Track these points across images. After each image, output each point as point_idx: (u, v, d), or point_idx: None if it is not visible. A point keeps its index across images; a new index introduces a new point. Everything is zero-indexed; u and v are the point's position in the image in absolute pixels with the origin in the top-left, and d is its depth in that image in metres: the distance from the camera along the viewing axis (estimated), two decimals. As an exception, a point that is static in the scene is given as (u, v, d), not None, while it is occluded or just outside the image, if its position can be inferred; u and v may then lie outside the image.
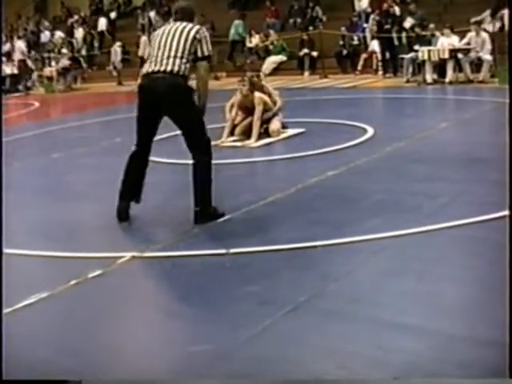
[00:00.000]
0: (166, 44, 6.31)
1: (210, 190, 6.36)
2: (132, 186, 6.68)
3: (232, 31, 24.37)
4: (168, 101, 6.30)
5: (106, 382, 3.68)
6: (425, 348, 3.70)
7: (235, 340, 3.92)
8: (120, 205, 6.57)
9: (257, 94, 10.19)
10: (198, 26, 6.43)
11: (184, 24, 6.41)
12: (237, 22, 24.63)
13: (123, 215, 6.56)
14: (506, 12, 18.89)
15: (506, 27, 18.96)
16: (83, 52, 26.91)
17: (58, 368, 3.78)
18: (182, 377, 3.65)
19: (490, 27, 18.47)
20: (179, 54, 6.25)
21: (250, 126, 10.06)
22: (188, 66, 6.29)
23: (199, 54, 6.32)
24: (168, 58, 6.26)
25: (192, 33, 6.30)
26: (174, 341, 4.12)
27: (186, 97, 6.37)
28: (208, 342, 3.91)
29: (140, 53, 24.30)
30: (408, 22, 19.53)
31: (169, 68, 6.23)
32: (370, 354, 3.68)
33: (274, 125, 10.37)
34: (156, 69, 6.28)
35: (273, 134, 10.30)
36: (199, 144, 6.42)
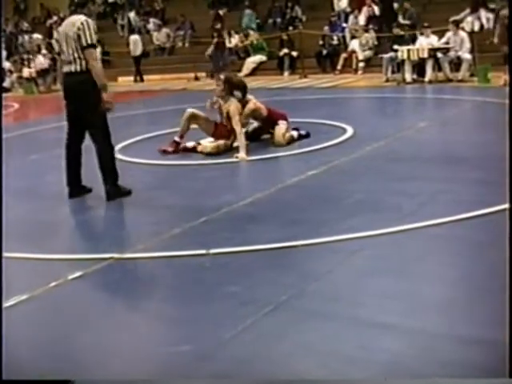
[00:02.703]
0: None
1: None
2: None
3: (245, 21, 24.43)
4: None
5: (91, 383, 3.68)
6: (405, 347, 3.72)
7: (216, 340, 3.92)
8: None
9: (232, 104, 9.48)
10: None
11: None
12: (247, 11, 24.61)
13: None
14: (483, 12, 19.07)
15: (485, 26, 19.13)
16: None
17: (40, 369, 3.77)
18: (164, 377, 3.65)
19: (469, 26, 18.57)
20: None
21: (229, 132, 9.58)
22: None
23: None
24: None
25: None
26: (155, 341, 4.11)
27: None
28: (189, 342, 3.91)
29: (132, 52, 24.30)
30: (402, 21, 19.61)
31: None
32: (351, 353, 3.69)
33: (278, 130, 9.69)
34: None
35: (277, 139, 9.62)
36: None
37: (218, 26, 23.99)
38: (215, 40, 23.07)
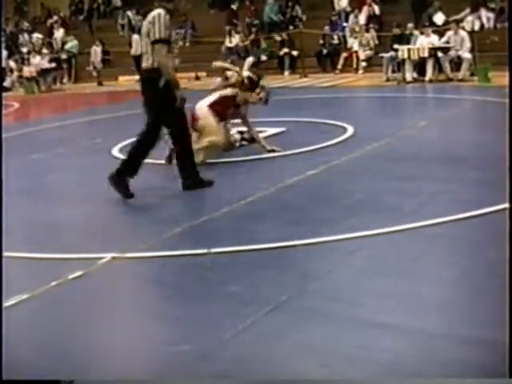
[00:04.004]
0: None
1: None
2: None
3: (267, 10, 23.97)
4: None
5: (91, 383, 3.68)
6: (405, 347, 3.72)
7: (216, 340, 3.92)
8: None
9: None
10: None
11: None
12: (270, 0, 24.20)
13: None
14: (484, 11, 19.07)
15: (486, 25, 19.13)
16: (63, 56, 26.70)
17: (40, 369, 3.78)
18: (164, 377, 3.65)
19: (469, 26, 18.57)
20: None
21: None
22: None
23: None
24: None
25: None
26: (155, 341, 4.11)
27: None
28: (189, 342, 3.92)
29: (133, 51, 24.26)
30: (439, 19, 19.44)
31: None
32: (351, 352, 3.69)
33: None
34: None
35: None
36: None
37: (235, 20, 23.89)
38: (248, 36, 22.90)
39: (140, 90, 7.47)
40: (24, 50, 27.88)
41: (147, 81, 7.25)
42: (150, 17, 7.11)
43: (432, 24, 19.09)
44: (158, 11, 7.11)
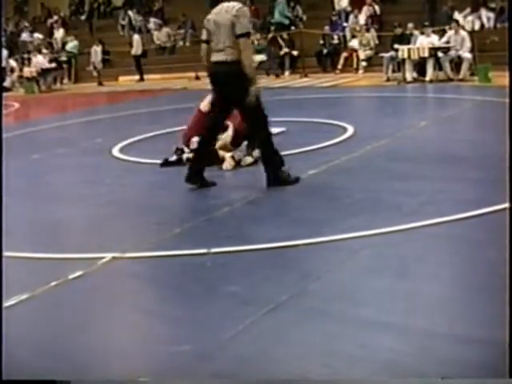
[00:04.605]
0: None
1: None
2: None
3: (276, 14, 23.36)
4: None
5: (91, 383, 3.68)
6: (406, 346, 3.72)
7: (217, 340, 3.92)
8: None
9: None
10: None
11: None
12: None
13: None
14: (484, 11, 19.07)
15: (486, 25, 19.13)
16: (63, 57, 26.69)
17: (40, 369, 3.77)
18: (164, 377, 3.65)
19: (469, 26, 18.57)
20: None
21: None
22: None
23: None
24: None
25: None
26: (155, 341, 4.11)
27: None
28: (189, 341, 3.91)
29: (133, 51, 24.30)
30: (459, 16, 19.36)
31: None
32: (353, 352, 3.69)
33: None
34: None
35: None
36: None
37: (258, 21, 23.80)
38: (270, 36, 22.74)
39: (214, 83, 7.37)
40: (25, 49, 27.89)
41: (231, 74, 7.12)
42: (230, 10, 7.05)
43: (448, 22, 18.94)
44: (237, 4, 7.10)
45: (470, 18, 19.05)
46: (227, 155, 8.41)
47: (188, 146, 8.80)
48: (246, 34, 7.03)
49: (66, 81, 26.30)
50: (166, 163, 8.70)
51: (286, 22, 22.98)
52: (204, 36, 7.35)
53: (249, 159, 8.38)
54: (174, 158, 8.81)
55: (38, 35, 28.66)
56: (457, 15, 19.34)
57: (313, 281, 4.72)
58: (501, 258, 3.74)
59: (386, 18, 21.57)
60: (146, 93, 20.70)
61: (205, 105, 8.82)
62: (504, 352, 3.14)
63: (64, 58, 26.43)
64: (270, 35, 22.54)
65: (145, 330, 4.31)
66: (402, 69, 17.60)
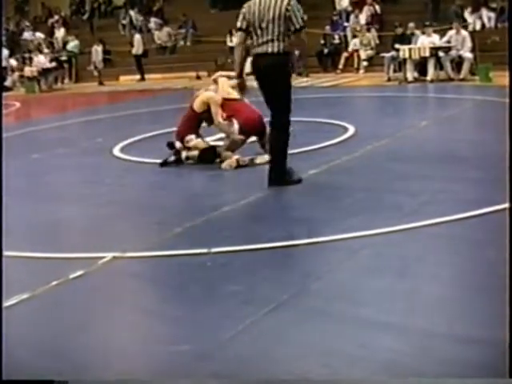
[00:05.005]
0: None
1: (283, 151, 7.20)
2: None
3: None
4: None
5: (91, 383, 3.68)
6: (406, 346, 3.71)
7: (217, 339, 3.91)
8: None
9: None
10: None
11: None
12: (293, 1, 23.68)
13: None
14: (485, 11, 19.06)
15: (487, 25, 19.13)
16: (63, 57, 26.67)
17: (41, 369, 3.77)
18: (164, 377, 3.65)
19: (470, 25, 18.57)
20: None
21: None
22: None
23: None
24: None
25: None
26: (155, 341, 4.11)
27: None
28: (189, 341, 3.91)
29: (134, 51, 24.30)
30: (467, 15, 19.28)
31: None
32: (353, 352, 3.69)
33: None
34: None
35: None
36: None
37: None
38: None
39: (258, 75, 7.30)
40: (26, 49, 27.90)
41: (278, 65, 7.15)
42: (280, 2, 7.04)
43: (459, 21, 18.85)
44: None
45: (470, 17, 19.04)
46: (234, 157, 8.39)
47: (183, 144, 8.78)
48: (304, 27, 7.12)
49: (66, 80, 26.30)
50: (165, 163, 8.70)
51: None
52: (243, 25, 7.20)
53: (266, 157, 8.28)
54: (172, 158, 8.80)
55: (39, 35, 28.67)
56: (466, 14, 19.32)
57: (313, 281, 4.72)
58: (501, 258, 3.74)
59: (386, 17, 21.58)
60: (146, 92, 20.70)
61: (198, 104, 8.82)
62: (504, 352, 3.14)
63: (65, 58, 26.43)
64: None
65: (145, 330, 4.31)
66: (403, 69, 17.61)
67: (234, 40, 23.66)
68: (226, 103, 8.78)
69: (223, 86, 9.05)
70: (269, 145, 7.62)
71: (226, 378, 3.56)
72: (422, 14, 20.29)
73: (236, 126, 8.64)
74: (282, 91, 7.20)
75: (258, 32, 7.09)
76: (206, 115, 8.81)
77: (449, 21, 18.83)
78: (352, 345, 3.77)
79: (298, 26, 7.00)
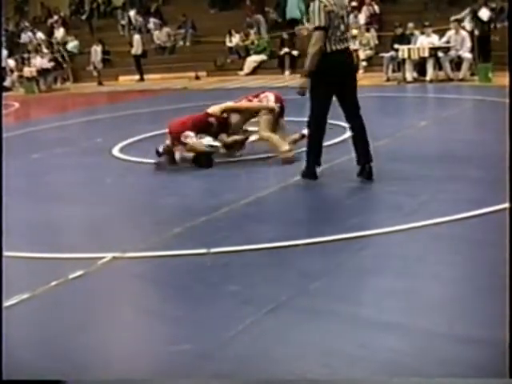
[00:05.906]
0: None
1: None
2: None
3: (289, 7, 22.51)
4: None
5: (91, 383, 3.68)
6: (407, 346, 3.72)
7: (217, 339, 3.92)
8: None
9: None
10: None
11: None
12: None
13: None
14: (484, 11, 19.00)
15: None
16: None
17: (41, 369, 3.77)
18: (165, 377, 3.65)
19: (469, 25, 18.54)
20: None
21: None
22: None
23: None
24: None
25: None
26: (155, 341, 4.11)
27: None
28: (189, 341, 3.91)
29: (133, 51, 24.28)
30: (484, 14, 19.18)
31: None
32: (353, 352, 3.69)
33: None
34: None
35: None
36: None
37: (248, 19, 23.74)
38: None
39: (336, 71, 7.29)
40: (25, 49, 27.86)
41: (351, 62, 7.73)
42: (343, 1, 7.33)
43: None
44: None
45: (469, 17, 19.01)
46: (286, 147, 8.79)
47: (179, 140, 8.67)
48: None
49: (68, 83, 26.27)
50: (158, 164, 8.69)
51: (299, 16, 22.72)
52: (325, 23, 7.09)
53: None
54: (162, 158, 8.78)
55: (40, 35, 28.64)
56: (483, 12, 19.19)
57: (313, 280, 4.72)
58: (501, 258, 3.73)
59: (385, 17, 21.56)
60: (146, 92, 20.69)
61: (215, 109, 8.94)
62: (504, 352, 3.14)
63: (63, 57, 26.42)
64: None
65: (145, 330, 4.31)
66: (402, 69, 17.60)
67: (234, 40, 23.70)
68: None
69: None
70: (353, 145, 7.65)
71: (226, 377, 3.56)
72: (422, 14, 20.27)
73: (271, 98, 9.63)
74: (352, 86, 7.46)
75: (333, 29, 7.15)
76: (219, 122, 9.00)
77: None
78: (352, 345, 3.77)
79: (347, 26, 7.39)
